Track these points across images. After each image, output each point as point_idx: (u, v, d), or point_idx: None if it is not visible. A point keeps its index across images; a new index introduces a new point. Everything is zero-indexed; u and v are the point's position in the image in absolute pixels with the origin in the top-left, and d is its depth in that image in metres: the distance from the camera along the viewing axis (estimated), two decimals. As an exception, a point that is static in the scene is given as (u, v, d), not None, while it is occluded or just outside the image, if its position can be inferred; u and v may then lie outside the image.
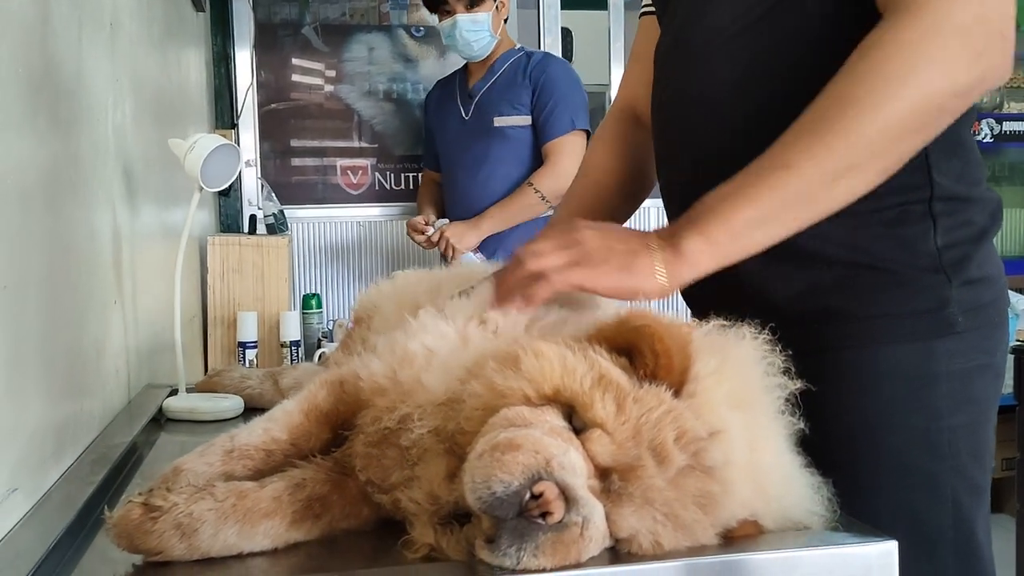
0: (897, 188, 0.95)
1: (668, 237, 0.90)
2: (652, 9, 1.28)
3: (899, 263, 0.99)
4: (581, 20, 4.54)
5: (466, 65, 2.98)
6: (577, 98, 2.79)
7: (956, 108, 0.89)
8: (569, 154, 2.67)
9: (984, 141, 3.72)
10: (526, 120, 2.77)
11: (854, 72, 0.88)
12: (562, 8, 3.60)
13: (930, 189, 0.99)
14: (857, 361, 1.00)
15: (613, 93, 3.65)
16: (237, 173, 1.40)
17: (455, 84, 3.01)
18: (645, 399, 0.71)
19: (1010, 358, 3.30)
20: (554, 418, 0.72)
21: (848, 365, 1.00)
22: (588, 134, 2.72)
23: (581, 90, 2.83)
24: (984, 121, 3.69)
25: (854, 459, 1.00)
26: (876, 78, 0.86)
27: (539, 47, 3.53)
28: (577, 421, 0.72)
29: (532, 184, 2.69)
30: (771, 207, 0.88)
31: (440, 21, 2.81)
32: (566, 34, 3.72)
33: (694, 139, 1.09)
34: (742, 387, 0.75)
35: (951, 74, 0.86)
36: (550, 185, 2.67)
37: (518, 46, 2.93)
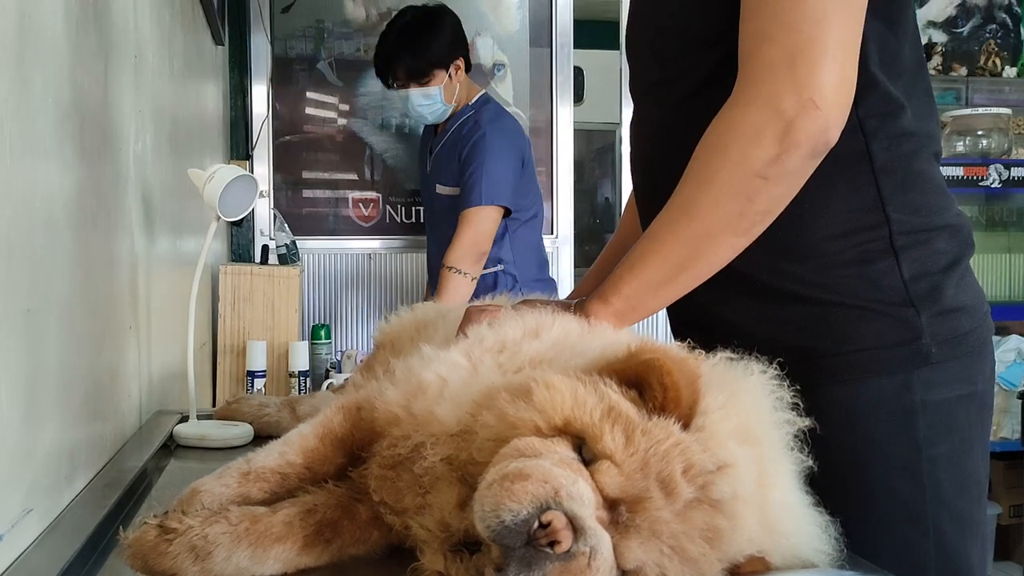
0: (855, 229, 1.02)
1: (579, 305, 1.04)
2: None
3: (867, 299, 1.02)
4: (593, 60, 4.61)
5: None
6: (496, 171, 2.69)
7: (780, 174, 0.94)
8: (472, 225, 2.61)
9: (992, 187, 3.73)
10: (456, 191, 2.73)
11: (696, 150, 0.98)
12: (575, 48, 3.65)
13: (888, 226, 1.02)
14: (836, 396, 1.02)
15: (622, 132, 3.69)
16: (254, 204, 1.42)
17: (430, 132, 3.00)
18: (654, 432, 0.72)
19: (1018, 403, 3.29)
20: (564, 449, 0.73)
21: (828, 400, 1.01)
22: (506, 210, 2.69)
23: (504, 163, 2.73)
24: (992, 167, 3.71)
25: (837, 491, 0.99)
26: (704, 155, 0.97)
27: (551, 85, 3.58)
28: (587, 452, 0.73)
29: (447, 266, 2.59)
30: (649, 275, 1.00)
31: (394, 90, 2.81)
32: (577, 73, 3.77)
33: (640, 185, 1.22)
34: (751, 422, 0.76)
35: (760, 144, 0.93)
36: (458, 257, 2.59)
37: (475, 99, 2.85)
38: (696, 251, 0.98)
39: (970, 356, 1.04)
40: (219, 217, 1.39)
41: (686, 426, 0.74)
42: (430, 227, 2.97)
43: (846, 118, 0.94)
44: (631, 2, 1.23)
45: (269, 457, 0.87)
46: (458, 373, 0.91)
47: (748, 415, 0.76)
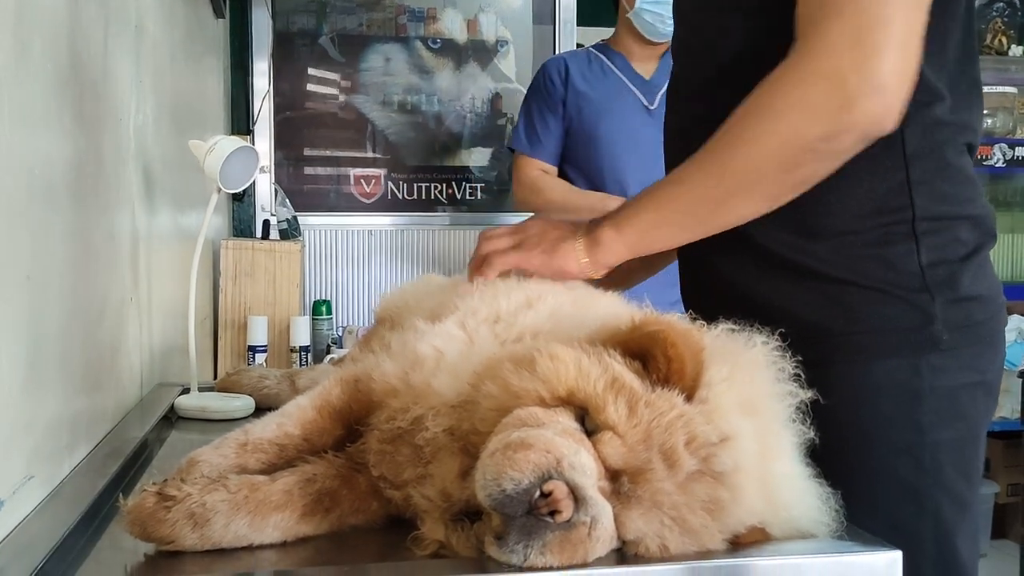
0: (878, 211, 1.01)
1: (590, 227, 1.06)
2: None
3: (884, 282, 1.02)
4: (596, 37, 4.57)
5: (607, 46, 2.66)
6: None
7: (829, 151, 0.93)
8: None
9: (996, 166, 3.71)
10: None
11: (743, 108, 0.97)
12: (578, 24, 3.62)
13: (912, 211, 1.01)
14: (846, 375, 1.02)
15: (626, 109, 3.67)
16: (255, 176, 1.41)
17: (618, 69, 2.60)
18: (657, 403, 0.72)
19: (1018, 382, 3.29)
20: (567, 420, 0.73)
21: (837, 379, 1.01)
22: None
23: None
24: (996, 146, 3.69)
25: (841, 469, 0.99)
26: (752, 117, 0.96)
27: (554, 62, 3.55)
28: (589, 423, 0.73)
29: None
30: (668, 215, 1.02)
31: None
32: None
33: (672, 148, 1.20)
34: (753, 393, 0.76)
35: (814, 120, 0.92)
36: None
37: None
38: (720, 205, 0.99)
39: (981, 345, 1.04)
40: (220, 189, 1.38)
41: (689, 398, 0.73)
42: (641, 168, 2.45)
43: (904, 107, 0.92)
44: None
45: (267, 428, 0.88)
46: (454, 345, 0.91)
47: (751, 387, 0.76)
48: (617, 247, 1.03)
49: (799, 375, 0.79)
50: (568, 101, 2.59)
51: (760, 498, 0.73)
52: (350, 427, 0.90)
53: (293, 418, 0.89)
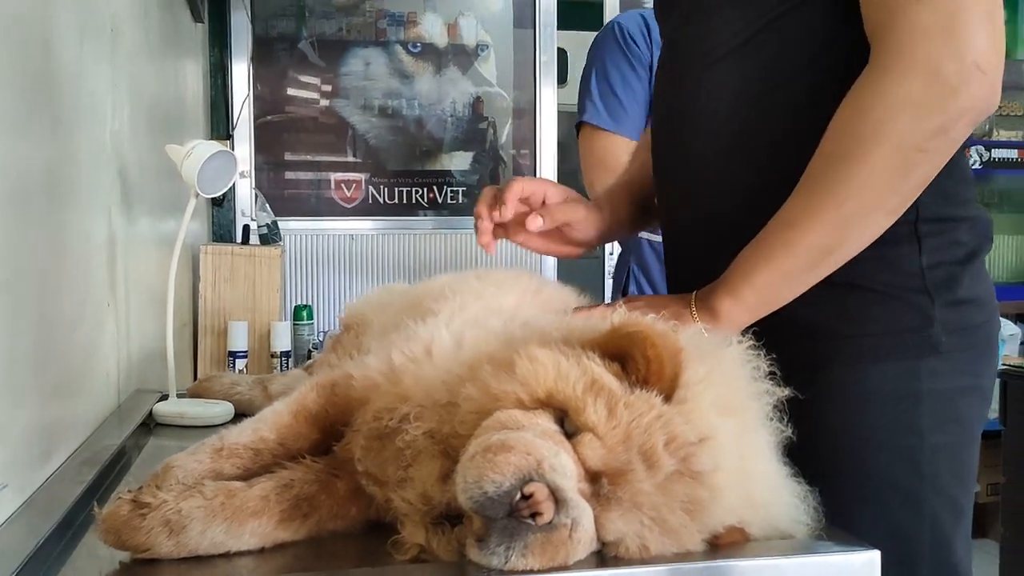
0: None
1: (704, 299, 0.99)
2: None
3: (883, 283, 1.00)
4: (577, 41, 4.58)
5: None
6: None
7: (941, 146, 0.90)
8: None
9: (974, 167, 3.75)
10: None
11: (837, 125, 0.92)
12: (558, 28, 3.63)
13: (915, 211, 0.98)
14: (843, 379, 1.01)
15: (606, 113, 3.68)
16: (233, 180, 1.40)
17: None
18: (636, 404, 0.72)
19: (997, 382, 3.32)
20: (547, 422, 0.73)
21: (834, 382, 1.01)
22: None
23: None
24: (974, 148, 3.73)
25: (838, 473, 1.00)
26: (854, 131, 0.91)
27: (535, 67, 3.56)
28: (569, 425, 0.73)
29: None
30: (786, 266, 0.95)
31: None
32: (561, 55, 3.75)
33: (684, 157, 1.12)
34: (731, 393, 0.76)
35: (924, 116, 0.88)
36: None
37: None
38: (842, 235, 0.93)
39: (977, 349, 1.03)
40: (198, 194, 1.37)
41: (668, 398, 0.74)
42: None
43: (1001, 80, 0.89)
44: None
45: (243, 434, 0.87)
46: (440, 345, 0.91)
47: (728, 386, 0.76)
48: (737, 314, 0.96)
49: (774, 372, 0.80)
50: (655, 65, 2.07)
51: (739, 497, 0.73)
52: (327, 432, 0.90)
53: (269, 423, 0.89)
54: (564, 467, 0.68)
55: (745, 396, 0.77)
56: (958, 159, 1.02)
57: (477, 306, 0.97)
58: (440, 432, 0.78)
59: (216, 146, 1.37)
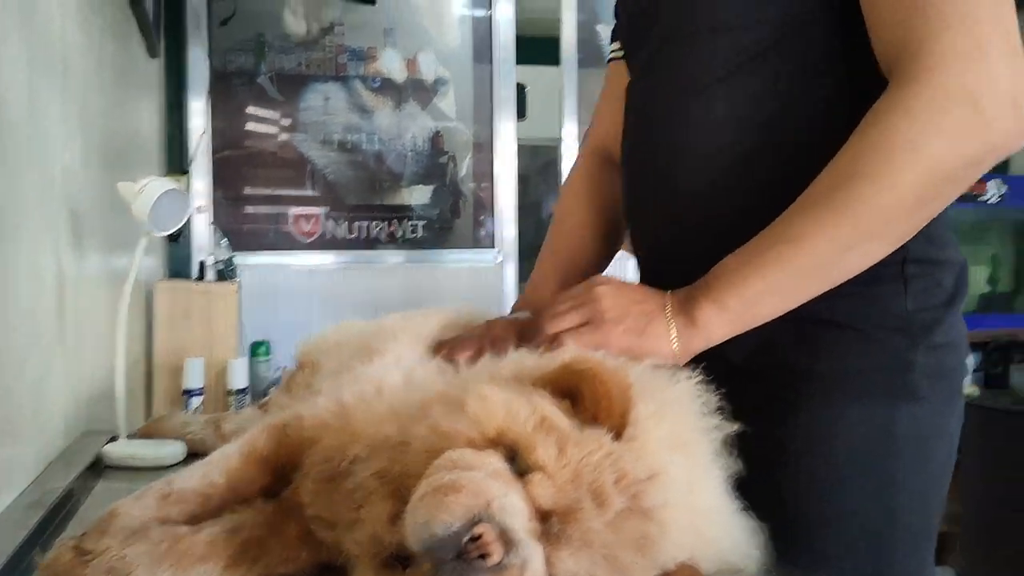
0: None
1: (683, 302, 0.92)
2: (620, 55, 1.27)
3: (866, 322, 0.97)
4: (535, 75, 4.64)
5: None
6: None
7: (967, 177, 0.87)
8: None
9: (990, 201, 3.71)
10: None
11: (862, 143, 0.87)
12: (519, 64, 3.67)
13: (904, 250, 0.95)
14: (818, 417, 0.98)
15: (564, 148, 3.72)
16: (186, 218, 1.39)
17: None
18: (585, 442, 0.72)
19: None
20: (497, 461, 0.73)
21: (810, 420, 0.98)
22: None
23: None
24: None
25: (808, 511, 0.99)
26: (883, 150, 0.85)
27: (491, 102, 3.59)
28: (519, 464, 0.73)
29: None
30: (782, 279, 0.89)
31: None
32: (520, 89, 3.78)
33: (668, 188, 1.08)
34: (680, 429, 0.77)
35: (959, 144, 0.84)
36: None
37: None
38: (847, 255, 0.89)
39: (949, 393, 1.02)
40: (149, 232, 1.36)
41: (618, 435, 0.74)
42: None
43: None
44: None
45: (191, 478, 0.86)
46: (391, 384, 0.91)
47: (678, 422, 0.77)
48: (717, 326, 0.90)
49: (723, 407, 0.80)
50: None
51: (689, 533, 0.73)
52: (278, 475, 0.89)
53: (218, 467, 0.87)
54: (514, 507, 0.68)
55: (695, 431, 0.78)
56: None
57: (424, 344, 0.97)
58: (391, 472, 0.78)
59: (168, 184, 1.35)
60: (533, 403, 0.75)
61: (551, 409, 0.74)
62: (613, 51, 1.32)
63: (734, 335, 0.91)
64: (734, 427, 0.79)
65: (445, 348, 0.98)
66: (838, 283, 0.91)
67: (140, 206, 1.33)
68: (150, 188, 1.33)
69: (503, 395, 0.76)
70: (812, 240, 0.87)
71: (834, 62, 0.97)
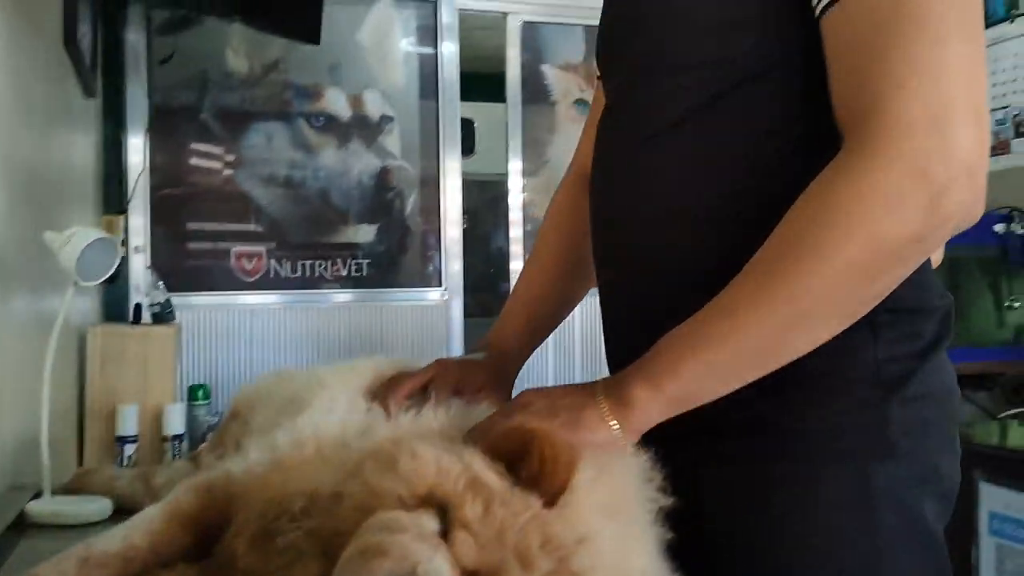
0: None
1: (615, 386, 0.86)
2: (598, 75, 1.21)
3: (832, 374, 0.89)
4: (482, 112, 4.68)
5: None
6: None
7: (918, 252, 0.80)
8: None
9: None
10: None
11: (804, 212, 0.81)
12: (467, 100, 3.69)
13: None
14: (788, 477, 0.90)
15: (511, 183, 3.74)
16: (115, 267, 1.36)
17: None
18: (513, 504, 0.72)
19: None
20: (427, 521, 0.72)
21: (780, 480, 0.91)
22: None
23: None
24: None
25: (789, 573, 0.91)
26: (823, 223, 0.79)
27: (438, 138, 3.60)
28: (448, 523, 0.72)
29: None
30: (719, 360, 0.83)
31: None
32: (468, 124, 3.81)
33: (620, 240, 1.04)
34: (617, 496, 0.77)
35: (906, 219, 0.77)
36: None
37: None
38: (787, 336, 0.82)
39: (935, 447, 0.93)
40: (77, 282, 1.32)
41: (555, 499, 0.73)
42: None
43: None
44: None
45: (112, 541, 0.84)
46: (327, 437, 0.90)
47: (615, 490, 0.77)
48: (654, 407, 0.84)
49: (667, 484, 0.80)
50: None
51: (620, 596, 0.73)
52: (203, 535, 0.87)
53: (140, 529, 0.86)
54: (439, 571, 0.67)
55: (631, 500, 0.78)
56: None
57: (356, 397, 0.96)
58: (323, 530, 0.77)
59: (96, 233, 1.33)
60: (465, 462, 0.74)
61: (482, 468, 0.74)
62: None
63: (677, 414, 0.86)
64: (670, 500, 0.79)
65: (385, 390, 0.98)
66: (787, 362, 0.84)
67: (67, 256, 1.30)
68: (77, 238, 1.30)
69: (435, 453, 0.76)
70: (746, 318, 0.81)
71: (791, 117, 0.90)
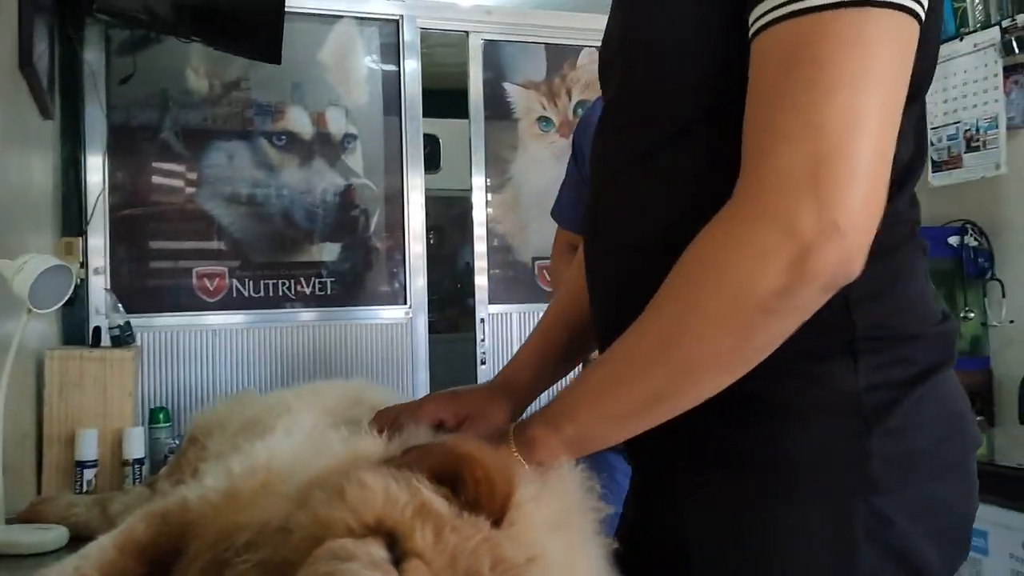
0: (813, 326, 0.80)
1: (520, 426, 0.89)
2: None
3: (811, 405, 0.85)
4: (446, 128, 4.70)
5: None
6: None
7: (788, 308, 0.76)
8: None
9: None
10: None
11: (682, 268, 0.81)
12: (431, 116, 3.70)
13: (851, 327, 0.85)
14: (768, 515, 0.86)
15: (475, 198, 3.76)
16: (69, 294, 1.35)
17: None
18: (463, 528, 0.72)
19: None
20: (377, 549, 0.73)
21: (758, 519, 0.87)
22: None
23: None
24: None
25: None
26: (694, 278, 0.79)
27: (402, 154, 3.60)
28: (398, 550, 0.73)
29: None
30: (616, 404, 0.84)
31: None
32: (433, 140, 3.81)
33: (598, 273, 1.03)
34: (560, 510, 0.78)
35: (764, 273, 0.75)
36: None
37: None
38: (673, 385, 0.81)
39: (936, 479, 0.87)
40: (30, 310, 1.31)
41: (500, 519, 0.74)
42: None
43: (870, 245, 0.76)
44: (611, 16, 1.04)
45: (64, 572, 0.83)
46: (277, 466, 0.90)
47: (557, 504, 0.78)
48: (554, 446, 0.85)
49: (606, 493, 0.81)
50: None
51: (571, 613, 0.74)
52: (157, 564, 0.87)
53: (92, 560, 0.85)
54: (390, 600, 0.67)
55: (574, 512, 0.79)
56: (906, 268, 0.90)
57: (311, 424, 0.97)
58: (272, 561, 0.77)
59: (50, 260, 1.32)
60: (412, 488, 0.75)
61: (430, 494, 0.75)
62: None
63: (580, 455, 0.86)
64: (611, 508, 0.80)
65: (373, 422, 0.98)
66: (687, 409, 0.82)
67: (20, 284, 1.29)
68: (30, 266, 1.30)
69: (382, 481, 0.76)
70: (637, 365, 0.82)
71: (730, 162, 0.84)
